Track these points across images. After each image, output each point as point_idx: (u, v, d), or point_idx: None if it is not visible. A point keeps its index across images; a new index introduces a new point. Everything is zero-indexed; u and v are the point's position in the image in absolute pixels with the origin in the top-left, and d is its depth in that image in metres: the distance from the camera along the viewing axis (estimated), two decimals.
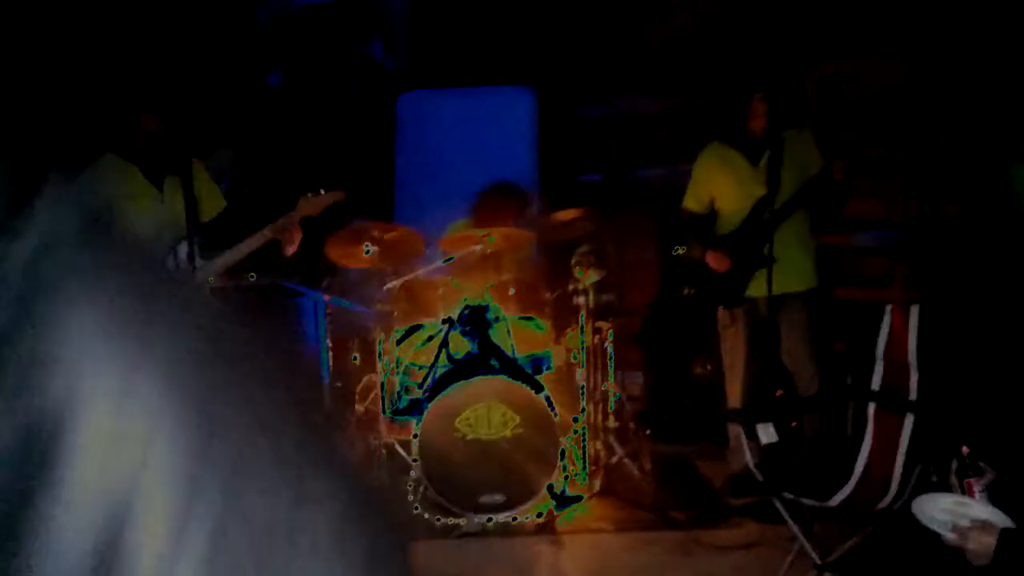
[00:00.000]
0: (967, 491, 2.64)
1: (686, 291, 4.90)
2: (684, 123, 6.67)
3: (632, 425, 5.30)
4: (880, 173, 5.41)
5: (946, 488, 2.73)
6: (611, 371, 5.19)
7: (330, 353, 5.41)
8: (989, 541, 2.58)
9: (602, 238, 5.16)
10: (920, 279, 5.16)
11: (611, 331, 5.16)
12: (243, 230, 4.11)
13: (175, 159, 3.97)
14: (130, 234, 0.49)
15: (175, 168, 3.98)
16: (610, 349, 5.17)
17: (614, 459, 5.04)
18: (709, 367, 5.64)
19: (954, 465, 2.67)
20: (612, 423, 5.17)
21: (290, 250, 4.17)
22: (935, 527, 2.79)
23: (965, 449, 2.59)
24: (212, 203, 4.25)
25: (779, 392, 4.80)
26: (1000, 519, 2.66)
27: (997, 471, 2.64)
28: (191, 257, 3.95)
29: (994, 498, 2.64)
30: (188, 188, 3.86)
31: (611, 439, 5.10)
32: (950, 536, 2.68)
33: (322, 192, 4.16)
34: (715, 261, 4.60)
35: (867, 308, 4.37)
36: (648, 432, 5.54)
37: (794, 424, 4.81)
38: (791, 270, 4.55)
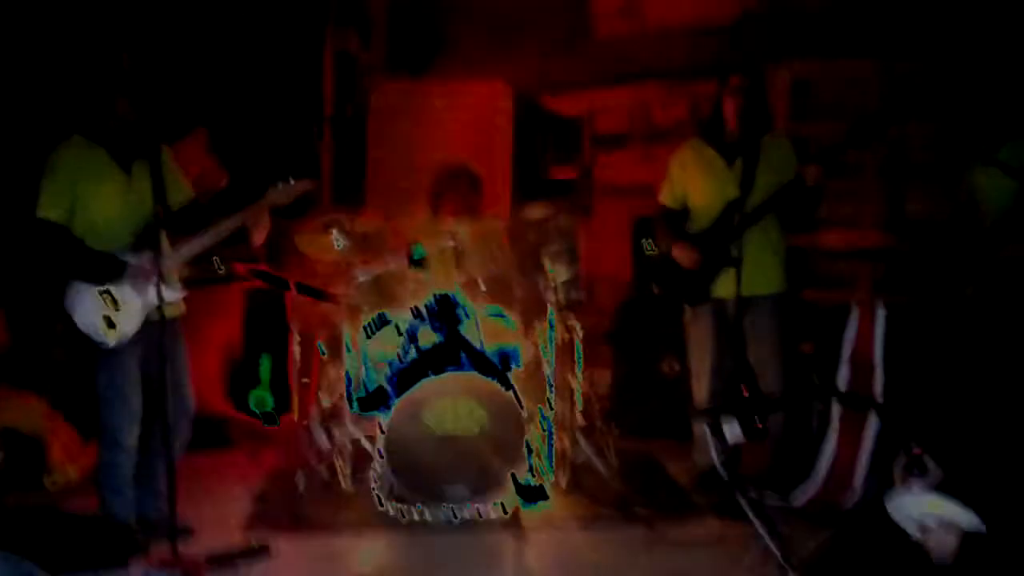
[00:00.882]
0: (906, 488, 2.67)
1: (654, 289, 4.90)
2: (659, 119, 6.70)
3: (599, 422, 5.30)
4: (850, 175, 5.44)
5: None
6: (579, 367, 5.18)
7: (297, 347, 5.38)
8: (951, 541, 2.61)
9: (573, 234, 5.16)
10: (887, 281, 5.20)
11: (580, 327, 5.15)
12: (211, 218, 4.06)
13: (145, 144, 3.91)
14: None
15: (144, 153, 3.92)
16: (579, 345, 5.16)
17: (580, 455, 5.04)
18: (677, 366, 5.66)
19: (900, 463, 2.70)
20: (580, 419, 5.17)
21: (259, 239, 4.13)
22: (906, 525, 2.82)
23: (917, 449, 2.62)
24: (180, 191, 4.19)
25: (744, 391, 4.82)
26: (968, 521, 2.69)
27: (949, 471, 2.67)
28: (158, 244, 3.90)
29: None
30: (157, 174, 3.80)
31: (578, 435, 5.10)
32: (916, 535, 2.72)
33: (292, 181, 4.11)
34: (681, 255, 4.61)
35: (834, 310, 4.41)
36: (615, 429, 5.55)
37: (759, 423, 4.84)
38: (759, 273, 4.56)
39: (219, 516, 4.55)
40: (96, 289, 3.90)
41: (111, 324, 3.90)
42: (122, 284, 3.92)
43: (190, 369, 4.25)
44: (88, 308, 3.90)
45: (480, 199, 5.39)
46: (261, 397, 6.06)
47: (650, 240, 5.42)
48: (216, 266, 5.37)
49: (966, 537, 2.66)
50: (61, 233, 3.88)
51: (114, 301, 3.91)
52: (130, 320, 3.93)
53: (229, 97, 6.52)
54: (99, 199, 3.93)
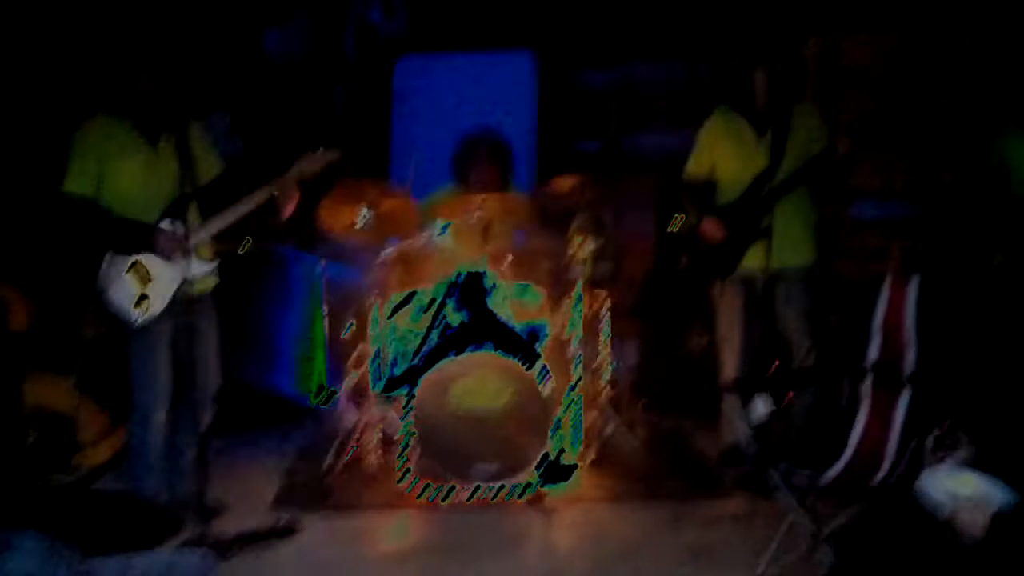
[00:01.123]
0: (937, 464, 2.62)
1: (682, 262, 4.84)
2: (685, 91, 6.61)
3: (627, 396, 5.27)
4: (880, 145, 5.34)
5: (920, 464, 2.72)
6: (607, 341, 5.14)
7: (326, 320, 5.38)
8: (981, 519, 2.56)
9: (600, 207, 5.11)
10: (918, 252, 5.10)
11: (607, 301, 5.11)
12: (239, 193, 4.05)
13: (170, 120, 3.90)
14: None
15: (171, 128, 3.91)
16: (606, 319, 5.12)
17: (608, 430, 5.02)
18: (705, 339, 5.59)
19: (931, 438, 2.65)
20: (607, 394, 5.14)
21: (287, 211, 4.11)
22: (933, 503, 2.78)
23: (947, 424, 2.57)
24: (208, 166, 4.18)
25: (775, 364, 4.77)
26: (1000, 498, 2.64)
27: (980, 445, 2.62)
28: (186, 220, 3.89)
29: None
30: (184, 149, 3.80)
31: (606, 410, 5.07)
32: (945, 512, 2.67)
33: (320, 151, 4.09)
34: (710, 229, 4.55)
35: (865, 281, 4.33)
36: (643, 403, 5.52)
37: (790, 397, 4.78)
38: (790, 244, 4.49)
39: (247, 494, 4.58)
40: (127, 262, 3.91)
41: (142, 300, 3.90)
42: (153, 258, 3.92)
43: (217, 346, 4.25)
44: (120, 285, 3.91)
45: (508, 167, 5.33)
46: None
47: (679, 215, 5.35)
48: (244, 243, 5.40)
49: (997, 515, 2.60)
50: (88, 205, 3.89)
51: (146, 275, 3.92)
52: (161, 296, 3.94)
53: (252, 70, 6.51)
54: (125, 173, 3.92)
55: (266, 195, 4.03)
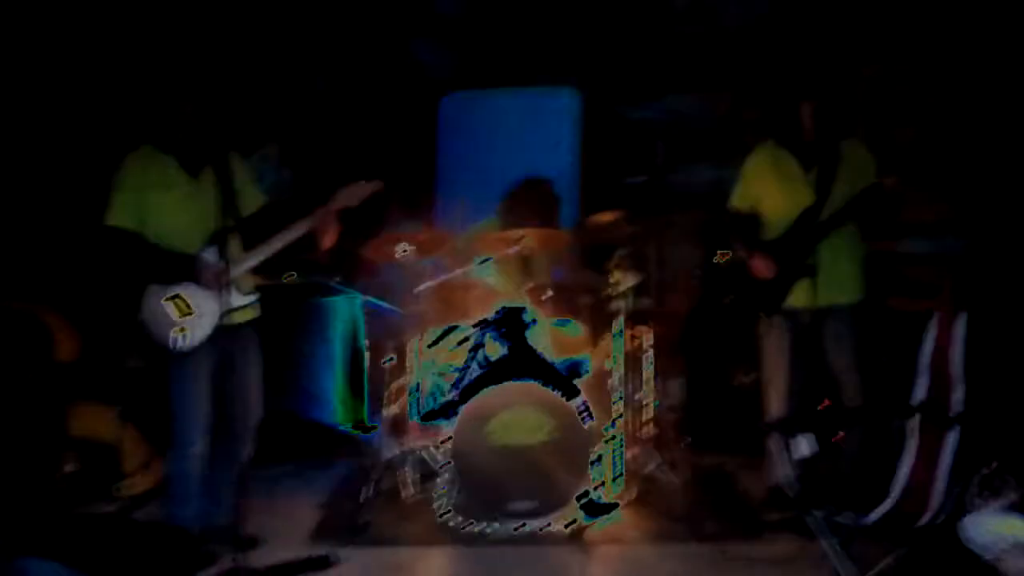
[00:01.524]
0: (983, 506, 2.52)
1: (727, 299, 4.77)
2: (731, 125, 6.55)
3: (670, 434, 5.18)
4: (929, 178, 5.24)
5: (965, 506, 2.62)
6: (649, 377, 5.07)
7: (367, 354, 5.39)
8: None
9: (641, 241, 5.06)
10: (971, 288, 4.97)
11: (649, 336, 5.05)
12: (281, 225, 4.08)
13: (213, 151, 3.95)
14: None
15: (213, 160, 3.96)
16: (648, 355, 5.06)
17: (649, 468, 4.94)
18: (751, 376, 5.50)
19: (976, 481, 2.55)
20: (649, 431, 5.06)
21: (327, 243, 4.13)
22: (977, 548, 2.68)
23: (993, 467, 2.47)
24: (250, 198, 4.22)
25: (825, 403, 4.67)
26: None
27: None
28: (227, 251, 3.92)
29: None
30: (225, 181, 3.84)
31: (647, 448, 4.99)
32: (990, 557, 2.57)
33: (361, 183, 4.11)
34: (760, 266, 4.47)
35: (913, 318, 4.22)
36: (687, 442, 5.42)
37: (838, 437, 4.67)
38: (837, 282, 4.40)
39: (285, 526, 4.58)
40: (169, 294, 3.95)
41: (182, 330, 3.93)
42: (194, 289, 3.95)
43: (259, 377, 4.26)
44: (161, 315, 3.95)
45: (554, 216, 5.33)
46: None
47: (724, 251, 5.29)
48: (285, 275, 5.44)
49: None
50: (131, 239, 3.94)
51: (187, 306, 3.95)
52: (201, 326, 3.96)
53: (304, 108, 6.59)
54: (167, 207, 3.98)
55: (305, 228, 4.05)
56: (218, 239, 3.98)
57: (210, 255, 3.97)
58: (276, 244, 4.07)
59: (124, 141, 4.08)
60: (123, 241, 3.94)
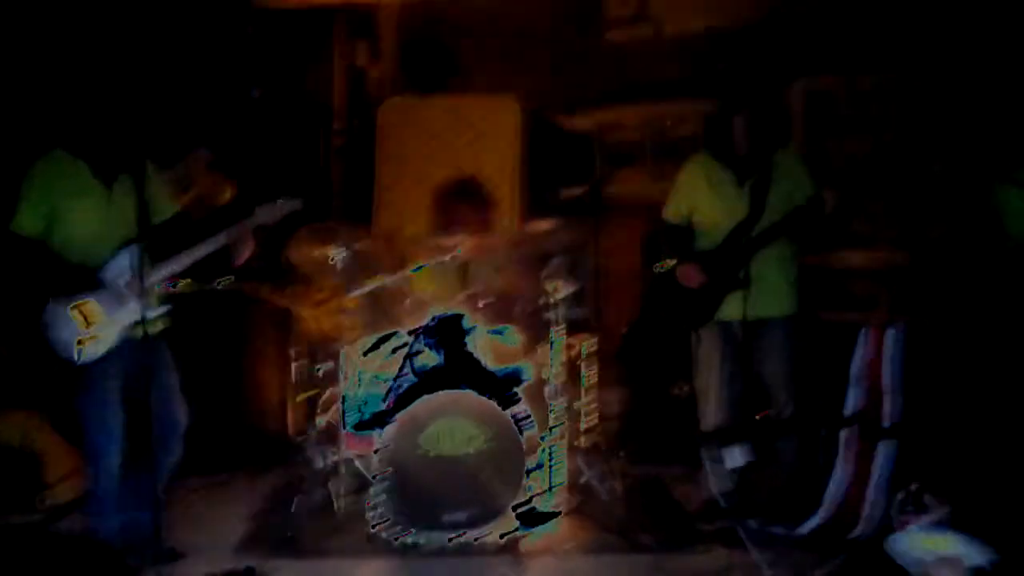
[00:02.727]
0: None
1: (659, 312, 4.80)
2: (670, 135, 6.57)
3: (606, 445, 5.15)
4: (870, 194, 5.29)
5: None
6: (584, 388, 5.04)
7: (294, 363, 5.30)
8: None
9: (577, 250, 5.03)
10: (906, 302, 5.03)
11: (585, 347, 5.02)
12: (194, 236, 3.98)
13: (127, 158, 3.83)
14: None
15: (128, 168, 3.84)
16: (583, 365, 5.03)
17: (584, 479, 4.90)
18: (688, 387, 5.49)
19: (898, 499, 2.56)
20: (584, 442, 5.02)
21: (240, 259, 4.05)
22: (905, 563, 2.68)
23: (913, 485, 2.48)
24: (163, 207, 4.11)
25: (761, 415, 4.68)
26: (975, 556, 2.55)
27: (953, 506, 2.52)
28: (139, 262, 3.81)
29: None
30: (140, 190, 3.72)
31: (582, 458, 4.96)
32: (917, 572, 2.57)
33: (279, 202, 4.03)
34: (686, 276, 4.47)
35: (844, 331, 4.25)
36: (624, 452, 5.40)
37: (772, 448, 4.68)
38: (769, 295, 4.41)
39: (211, 539, 4.47)
40: (68, 305, 3.83)
41: (85, 341, 3.82)
42: (96, 300, 3.84)
43: (177, 387, 4.15)
44: (60, 325, 3.83)
45: (489, 215, 5.28)
46: None
47: (662, 260, 5.29)
48: (216, 282, 5.32)
49: (975, 573, 2.49)
50: (34, 246, 3.82)
51: (86, 318, 3.83)
52: (105, 337, 3.85)
53: (235, 110, 6.47)
54: (77, 214, 3.86)
55: (219, 243, 3.96)
56: (129, 248, 3.88)
57: (121, 262, 3.85)
58: (189, 258, 3.97)
59: (35, 145, 3.95)
60: (26, 249, 3.81)
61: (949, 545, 2.56)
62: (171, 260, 3.95)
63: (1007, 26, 5.35)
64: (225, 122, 6.32)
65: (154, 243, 3.95)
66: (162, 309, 4.06)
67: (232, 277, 5.39)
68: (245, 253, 4.04)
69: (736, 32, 6.11)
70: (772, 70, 5.75)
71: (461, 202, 5.18)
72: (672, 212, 4.66)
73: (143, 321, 3.74)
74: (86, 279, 3.84)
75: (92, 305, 3.84)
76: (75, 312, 3.83)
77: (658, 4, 6.56)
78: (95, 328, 3.84)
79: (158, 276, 3.94)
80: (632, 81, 6.57)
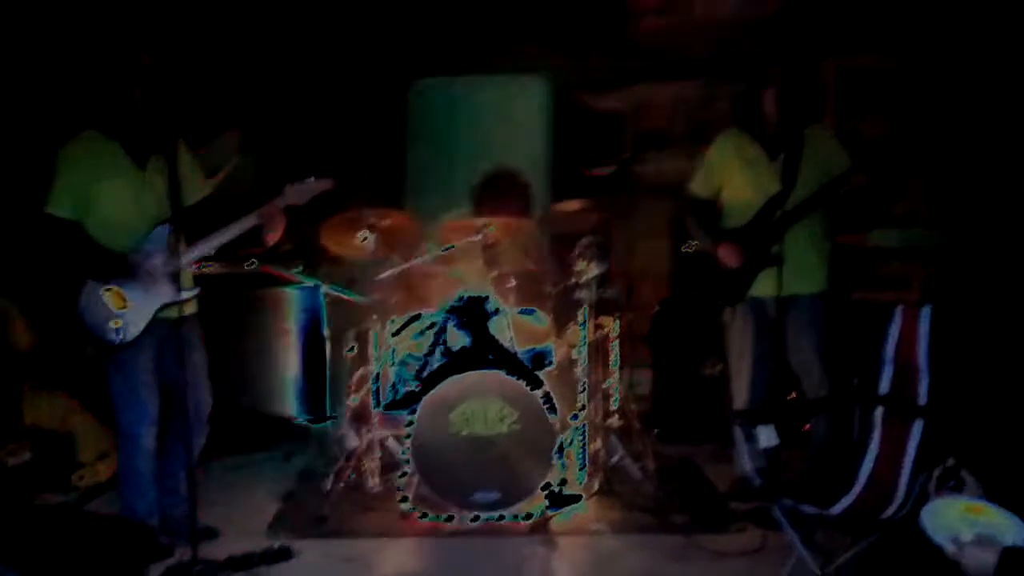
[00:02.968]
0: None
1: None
2: (701, 114, 6.52)
3: (637, 424, 5.14)
4: (900, 171, 5.21)
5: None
6: (615, 368, 5.02)
7: (328, 343, 5.32)
8: (987, 557, 2.43)
9: (607, 231, 5.00)
10: (940, 282, 4.96)
11: (615, 327, 5.00)
12: (226, 216, 3.98)
13: (160, 139, 3.84)
14: None
15: (160, 148, 3.85)
16: (614, 345, 5.01)
17: (614, 459, 4.89)
18: (719, 367, 5.46)
19: (935, 475, 2.52)
20: (614, 421, 5.01)
21: (272, 238, 4.04)
22: (939, 539, 2.65)
23: (950, 460, 2.44)
24: (196, 188, 4.12)
25: (792, 395, 4.64)
26: (1013, 535, 2.51)
27: (988, 483, 2.49)
28: (172, 241, 3.82)
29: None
30: (172, 170, 3.73)
31: (613, 438, 4.95)
32: (951, 549, 2.54)
33: (310, 180, 4.01)
34: (726, 254, 4.42)
35: (878, 310, 4.20)
36: (654, 432, 5.39)
37: (805, 428, 4.64)
38: (801, 272, 4.35)
39: (243, 518, 4.50)
40: (103, 287, 3.86)
41: (118, 322, 3.85)
42: (130, 282, 3.86)
43: (205, 368, 4.18)
44: (96, 306, 3.86)
45: (526, 205, 5.28)
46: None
47: (691, 240, 5.25)
48: (246, 264, 5.35)
49: (1007, 552, 2.46)
50: (69, 229, 3.84)
51: (122, 299, 3.86)
52: (138, 319, 3.87)
53: (270, 94, 6.49)
54: (111, 195, 3.87)
55: (251, 222, 3.96)
56: (162, 228, 3.90)
57: (154, 242, 3.88)
58: (219, 238, 3.96)
59: (70, 126, 3.96)
60: (61, 231, 3.83)
61: (985, 516, 2.51)
62: (202, 240, 3.95)
63: None
64: (255, 103, 6.35)
65: (186, 223, 3.96)
66: (193, 290, 4.09)
67: (256, 261, 5.42)
68: (275, 233, 4.03)
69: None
70: (804, 46, 5.68)
71: (500, 192, 5.18)
72: (700, 187, 4.61)
73: (175, 302, 3.76)
74: (120, 262, 3.86)
75: (126, 287, 3.87)
76: (109, 294, 3.86)
77: None
78: (129, 310, 3.86)
79: (190, 256, 3.96)
80: (663, 60, 6.51)
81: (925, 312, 3.57)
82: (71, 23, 5.39)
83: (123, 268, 3.85)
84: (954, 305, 3.91)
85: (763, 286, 4.39)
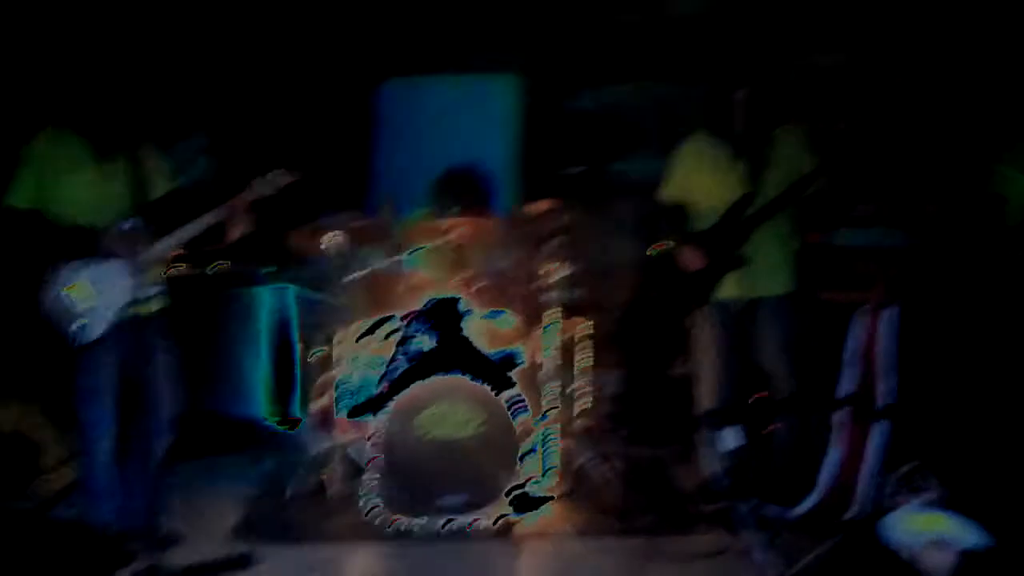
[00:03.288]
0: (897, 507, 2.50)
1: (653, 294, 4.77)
2: (671, 115, 6.51)
3: (604, 426, 5.13)
4: (864, 172, 5.23)
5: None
6: (582, 370, 5.01)
7: (298, 345, 5.29)
8: (947, 560, 2.44)
9: (575, 232, 4.99)
10: (903, 282, 4.98)
11: (583, 328, 4.99)
12: (188, 213, 3.94)
13: (126, 137, 3.80)
14: None
15: (125, 145, 3.81)
16: (583, 347, 5.00)
17: (581, 461, 4.88)
18: (687, 368, 5.46)
19: (896, 478, 2.54)
20: (581, 424, 5.00)
21: (235, 234, 4.00)
22: (899, 544, 2.65)
23: (913, 464, 2.45)
24: (160, 184, 4.07)
25: (758, 396, 4.64)
26: (969, 538, 2.52)
27: (948, 488, 2.50)
28: (136, 238, 3.78)
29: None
30: (137, 167, 3.68)
31: (579, 440, 4.94)
32: (910, 552, 2.54)
33: (276, 173, 3.98)
34: (689, 257, 4.42)
35: (844, 310, 4.21)
36: (621, 434, 5.38)
37: (769, 429, 4.65)
38: (768, 273, 4.36)
39: (206, 524, 4.46)
40: (68, 283, 3.80)
41: (82, 321, 3.79)
42: (95, 278, 3.81)
43: (171, 370, 4.13)
44: (60, 303, 3.80)
45: (484, 201, 5.25)
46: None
47: (659, 243, 5.25)
48: (214, 265, 5.31)
49: (965, 555, 2.47)
50: (28, 216, 3.78)
51: (85, 297, 3.81)
52: (103, 316, 3.82)
53: (236, 96, 6.44)
54: (73, 189, 3.82)
55: (215, 218, 3.92)
56: (125, 222, 3.85)
57: (124, 226, 3.82)
58: (183, 234, 3.92)
59: (36, 122, 3.92)
60: (19, 220, 3.78)
61: (941, 526, 2.53)
62: (167, 236, 3.91)
63: (1007, 7, 5.29)
64: (222, 103, 6.30)
65: (149, 219, 3.92)
66: (158, 289, 4.04)
67: (225, 262, 5.38)
68: (238, 230, 4.00)
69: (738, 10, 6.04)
70: (773, 48, 5.68)
71: (457, 187, 5.16)
72: (670, 191, 4.61)
73: (139, 301, 3.72)
74: (89, 240, 3.80)
75: (88, 285, 3.82)
76: (71, 293, 3.81)
77: None
78: (92, 308, 3.81)
79: (154, 253, 3.91)
80: (634, 60, 6.50)
81: (887, 313, 3.59)
82: (40, 22, 5.33)
83: (94, 245, 3.79)
84: (916, 306, 3.93)
85: (729, 288, 4.39)
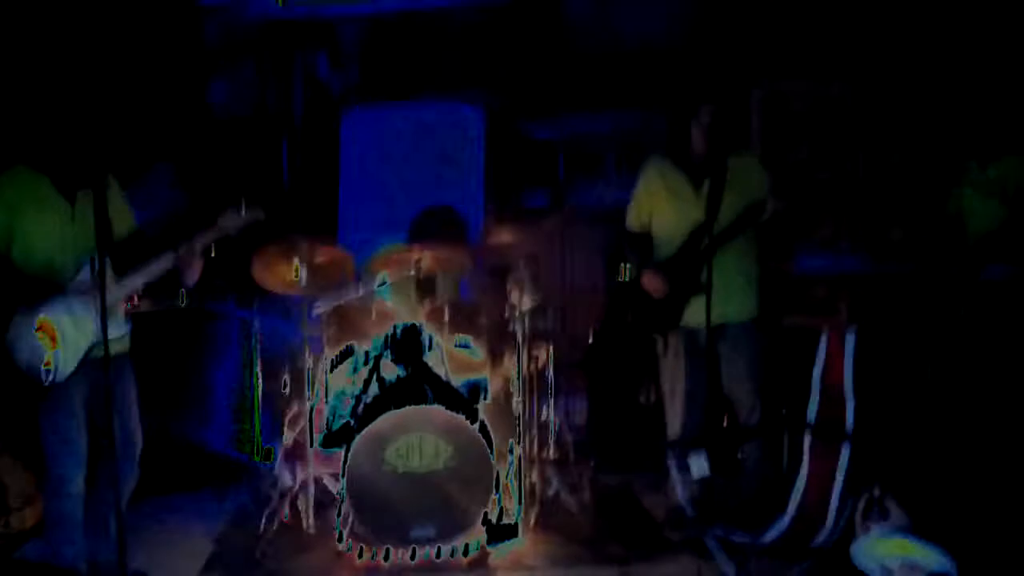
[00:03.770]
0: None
1: (627, 318, 4.80)
2: (634, 142, 6.58)
3: (573, 455, 5.14)
4: (827, 196, 5.33)
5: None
6: (551, 399, 5.03)
7: (261, 377, 5.26)
8: None
9: (540, 260, 5.03)
10: (866, 306, 5.06)
11: (550, 357, 5.01)
12: (152, 252, 3.92)
13: (89, 173, 3.77)
14: None
15: (88, 183, 3.79)
16: (549, 376, 5.02)
17: (551, 491, 4.89)
18: (655, 394, 5.49)
19: (860, 505, 2.58)
20: (551, 453, 5.01)
21: (191, 276, 3.98)
22: (867, 570, 2.69)
23: (876, 490, 2.50)
24: (123, 223, 4.05)
25: (725, 422, 4.68)
26: (936, 562, 2.56)
27: (913, 513, 2.54)
28: (99, 278, 3.75)
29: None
30: (101, 205, 3.66)
31: (549, 470, 4.95)
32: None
33: (241, 209, 3.97)
34: (649, 283, 4.47)
35: (807, 335, 4.27)
36: (591, 462, 5.40)
37: (737, 456, 4.69)
38: (730, 299, 4.40)
39: (175, 561, 4.42)
40: (34, 322, 3.76)
41: (49, 362, 3.76)
42: (58, 319, 3.78)
43: (136, 408, 4.09)
44: (28, 344, 3.76)
45: (462, 241, 5.28)
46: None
47: (625, 267, 5.29)
48: (180, 298, 5.27)
49: None
50: None
51: (55, 335, 3.77)
52: (71, 356, 3.79)
53: (200, 126, 6.43)
54: (38, 228, 3.79)
55: (168, 264, 3.90)
56: (88, 266, 3.82)
57: (84, 278, 3.80)
58: (144, 277, 3.90)
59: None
60: None
61: (909, 550, 2.57)
62: (131, 275, 3.89)
63: (962, 31, 5.41)
64: (187, 137, 6.28)
65: (114, 259, 3.90)
66: (125, 327, 4.01)
67: (186, 295, 5.34)
68: (194, 271, 3.98)
69: (695, 40, 6.14)
70: (730, 75, 5.78)
71: (435, 228, 5.19)
72: (634, 220, 4.67)
73: (106, 340, 3.69)
74: (50, 281, 3.77)
75: (56, 325, 3.78)
76: (39, 333, 3.77)
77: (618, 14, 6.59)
78: (60, 348, 3.77)
79: (119, 292, 3.89)
80: (596, 89, 6.57)
81: (850, 337, 3.65)
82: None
83: (53, 293, 3.76)
84: (878, 330, 3.99)
85: (693, 314, 4.43)
